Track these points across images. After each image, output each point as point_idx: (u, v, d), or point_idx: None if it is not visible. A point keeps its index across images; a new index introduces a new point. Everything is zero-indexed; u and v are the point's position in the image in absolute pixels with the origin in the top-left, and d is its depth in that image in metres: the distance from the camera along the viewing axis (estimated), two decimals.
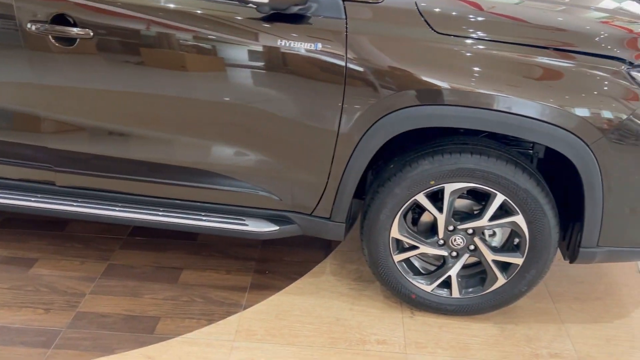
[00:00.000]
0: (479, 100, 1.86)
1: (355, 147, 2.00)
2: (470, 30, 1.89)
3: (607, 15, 2.16)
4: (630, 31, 1.97)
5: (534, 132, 1.88)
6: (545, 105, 1.84)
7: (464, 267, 2.21)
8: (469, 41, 1.88)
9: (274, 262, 2.57)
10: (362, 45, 1.89)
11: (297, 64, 1.92)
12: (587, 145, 1.87)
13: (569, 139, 1.86)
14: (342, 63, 1.89)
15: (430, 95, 1.88)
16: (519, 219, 2.04)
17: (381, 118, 1.94)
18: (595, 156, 1.89)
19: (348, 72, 1.90)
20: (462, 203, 2.16)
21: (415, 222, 2.26)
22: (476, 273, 2.25)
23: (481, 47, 1.87)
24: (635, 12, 2.16)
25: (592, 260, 2.10)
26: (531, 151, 2.21)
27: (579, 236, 2.06)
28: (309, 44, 1.89)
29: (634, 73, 1.85)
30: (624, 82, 1.85)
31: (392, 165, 2.12)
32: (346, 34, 1.88)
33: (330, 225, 2.17)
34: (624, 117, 1.85)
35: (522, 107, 1.85)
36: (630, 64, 1.85)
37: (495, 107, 1.86)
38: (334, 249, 2.69)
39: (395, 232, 2.14)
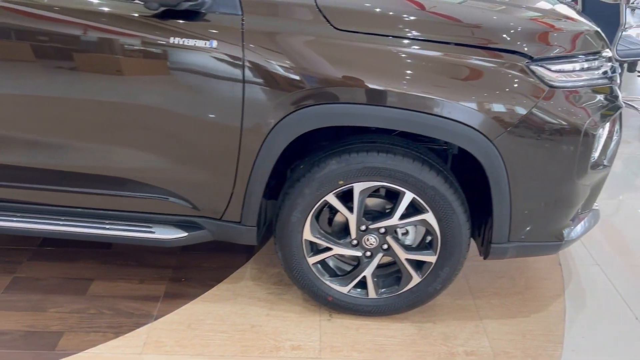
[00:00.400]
0: (379, 97, 1.83)
1: (260, 147, 1.93)
2: (371, 26, 1.85)
3: (540, 14, 2.10)
4: (552, 26, 1.95)
5: (437, 129, 1.85)
6: (446, 101, 1.82)
7: (380, 266, 2.18)
8: (369, 37, 1.83)
9: (192, 269, 2.48)
10: (259, 42, 1.82)
11: (193, 63, 1.84)
12: (490, 141, 1.85)
13: (471, 135, 1.84)
14: (240, 61, 1.82)
15: (330, 94, 1.83)
16: (429, 217, 2.02)
17: (284, 117, 1.88)
18: (499, 152, 1.87)
19: (246, 71, 1.83)
20: (374, 202, 2.13)
21: (331, 222, 2.21)
22: (392, 272, 2.22)
23: (382, 43, 1.83)
24: (565, 12, 2.13)
25: (504, 256, 2.10)
26: (445, 148, 2.19)
27: (490, 232, 2.06)
28: (203, 42, 1.81)
29: (533, 67, 1.84)
30: (525, 77, 1.84)
31: (302, 166, 2.06)
32: (242, 31, 1.82)
33: (241, 229, 2.10)
34: (526, 111, 1.84)
35: (422, 103, 1.82)
36: (531, 58, 1.85)
37: (395, 105, 1.82)
38: (256, 252, 2.62)
39: (307, 234, 2.09)
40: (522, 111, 1.84)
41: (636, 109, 4.54)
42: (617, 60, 4.23)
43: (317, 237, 2.10)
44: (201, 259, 2.54)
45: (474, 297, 2.39)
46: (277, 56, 1.82)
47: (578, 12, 2.20)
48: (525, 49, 1.84)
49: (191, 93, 1.89)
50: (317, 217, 2.10)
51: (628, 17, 4.34)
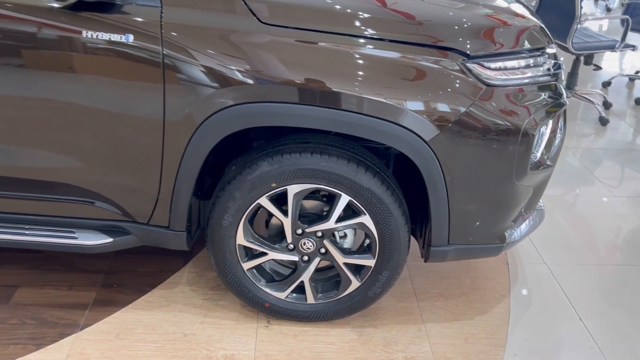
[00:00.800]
0: (305, 96, 1.73)
1: (186, 148, 1.82)
2: (301, 21, 1.74)
3: (487, 11, 1.98)
4: (493, 23, 1.86)
5: (366, 129, 1.76)
6: (377, 99, 1.73)
7: (318, 270, 2.09)
8: (298, 33, 1.73)
9: (125, 274, 2.36)
10: (180, 37, 1.70)
11: (108, 58, 1.71)
12: (425, 142, 1.78)
13: (404, 135, 1.76)
14: (159, 57, 1.70)
15: (255, 92, 1.73)
16: (366, 220, 1.94)
17: (209, 117, 1.77)
18: (434, 153, 1.80)
19: (166, 67, 1.71)
20: (311, 204, 2.04)
21: (268, 224, 2.12)
22: (331, 277, 2.14)
23: (311, 39, 1.73)
24: (515, 10, 2.02)
25: (444, 259, 2.04)
26: (387, 147, 2.11)
27: (429, 235, 1.99)
28: (119, 36, 1.69)
29: (470, 65, 1.77)
30: (461, 76, 1.76)
31: (233, 167, 1.96)
32: (161, 24, 1.70)
33: (170, 234, 1.99)
34: (461, 111, 1.77)
35: (350, 102, 1.73)
36: (467, 55, 1.77)
37: (322, 104, 1.73)
38: (196, 254, 2.51)
39: (241, 239, 1.99)
40: (457, 111, 1.76)
41: (592, 102, 4.55)
42: (572, 54, 4.23)
43: (251, 242, 2.00)
44: (136, 263, 2.42)
45: (418, 299, 2.33)
46: (198, 52, 1.70)
47: (530, 11, 2.12)
48: (462, 46, 1.76)
49: (108, 90, 1.76)
50: (251, 220, 2.00)
51: (591, 8, 4.33)
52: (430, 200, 1.89)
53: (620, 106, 4.81)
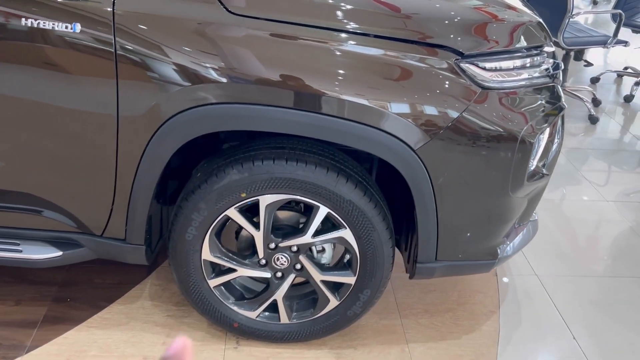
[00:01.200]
0: (276, 97, 1.53)
1: (143, 153, 1.61)
2: (273, 12, 1.53)
3: (477, 3, 1.78)
4: (488, 17, 1.66)
5: (346, 135, 1.57)
6: (357, 102, 1.53)
7: (293, 286, 1.90)
8: (270, 24, 1.52)
9: (80, 286, 2.14)
10: (136, 27, 1.48)
11: (52, 50, 1.49)
12: (412, 150, 1.59)
13: (388, 142, 1.57)
14: (111, 49, 1.48)
15: (220, 92, 1.52)
16: (347, 234, 1.75)
17: (169, 119, 1.56)
18: (422, 162, 1.61)
19: (119, 62, 1.49)
20: (286, 215, 1.84)
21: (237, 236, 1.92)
22: (306, 294, 1.95)
23: (284, 31, 1.52)
24: (508, 2, 1.83)
25: (431, 276, 1.86)
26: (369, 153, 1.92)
27: (415, 250, 1.81)
28: (64, 25, 1.46)
29: (463, 65, 1.58)
30: (454, 76, 1.57)
31: (198, 174, 1.75)
32: (113, 12, 1.47)
33: (126, 248, 1.78)
34: (454, 117, 1.58)
35: (332, 105, 1.53)
36: (461, 54, 1.58)
37: (295, 106, 1.53)
38: (161, 264, 2.31)
39: (206, 254, 1.79)
40: (449, 117, 1.57)
41: (582, 99, 4.41)
42: (563, 49, 4.07)
43: (219, 257, 1.80)
44: (93, 273, 2.20)
45: (401, 315, 2.16)
46: (157, 45, 1.48)
47: (523, 2, 1.93)
48: (455, 43, 1.57)
49: (54, 86, 1.54)
50: (218, 233, 1.80)
51: (576, 1, 4.17)
52: (418, 214, 1.71)
53: (609, 104, 4.68)
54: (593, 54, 5.97)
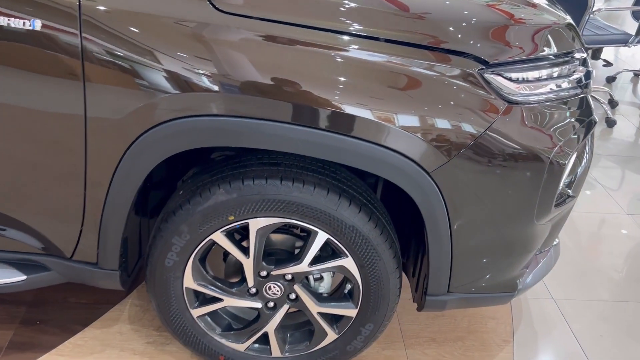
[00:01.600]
0: (269, 109, 1.31)
1: (115, 172, 1.40)
2: (267, 10, 1.31)
3: (508, 5, 1.53)
4: (511, 19, 1.44)
5: (349, 154, 1.36)
6: (361, 117, 1.32)
7: (287, 316, 1.71)
8: (263, 25, 1.30)
9: (52, 306, 1.94)
10: (107, 25, 1.26)
11: (7, 50, 1.28)
12: (427, 173, 1.37)
13: (399, 164, 1.36)
14: (77, 50, 1.27)
15: (207, 103, 1.31)
16: (348, 263, 1.54)
17: (146, 131, 1.34)
18: (438, 187, 1.40)
19: (87, 65, 1.27)
20: (279, 239, 1.64)
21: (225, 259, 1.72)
22: (301, 324, 1.75)
23: (279, 33, 1.30)
24: None
25: (442, 309, 1.66)
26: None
27: (425, 281, 1.61)
28: (21, 22, 1.25)
29: (487, 76, 1.36)
30: (477, 89, 1.36)
31: (181, 192, 1.55)
32: (80, 6, 1.26)
33: (98, 273, 1.58)
34: (475, 136, 1.37)
35: (328, 119, 1.31)
36: (485, 63, 1.37)
37: (291, 120, 1.31)
38: (141, 282, 2.10)
39: (189, 282, 1.58)
40: (470, 135, 1.36)
41: (598, 100, 4.18)
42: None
43: (202, 285, 1.60)
44: (68, 291, 1.99)
45: (406, 345, 1.96)
46: (133, 46, 1.27)
47: (555, 5, 1.70)
48: (477, 50, 1.35)
49: (9, 95, 1.33)
50: (202, 258, 1.60)
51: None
52: (429, 243, 1.50)
53: (626, 105, 4.45)
54: (607, 51, 5.72)
